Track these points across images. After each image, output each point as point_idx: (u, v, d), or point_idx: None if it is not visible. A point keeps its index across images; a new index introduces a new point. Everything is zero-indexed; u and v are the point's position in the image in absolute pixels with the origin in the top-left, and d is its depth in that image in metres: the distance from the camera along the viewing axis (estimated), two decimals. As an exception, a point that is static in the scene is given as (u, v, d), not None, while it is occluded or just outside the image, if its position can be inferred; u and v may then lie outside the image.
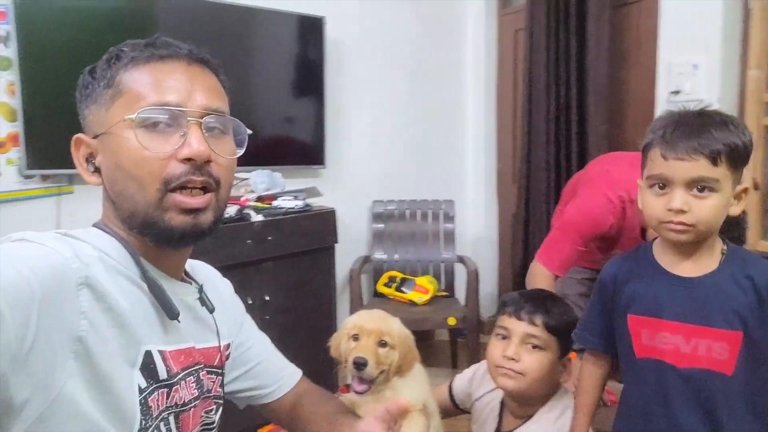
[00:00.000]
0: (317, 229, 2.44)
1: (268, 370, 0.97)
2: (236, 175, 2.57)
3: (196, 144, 0.70)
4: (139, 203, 0.70)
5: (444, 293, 2.89)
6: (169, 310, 0.73)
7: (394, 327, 1.19)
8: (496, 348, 1.22)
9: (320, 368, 2.67)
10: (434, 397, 1.47)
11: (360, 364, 1.10)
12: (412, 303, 2.70)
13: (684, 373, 0.98)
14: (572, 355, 1.25)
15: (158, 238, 0.72)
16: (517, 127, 3.19)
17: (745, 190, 0.99)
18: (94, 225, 0.76)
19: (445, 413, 1.45)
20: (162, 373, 0.71)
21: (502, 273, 3.41)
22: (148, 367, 0.69)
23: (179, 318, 0.74)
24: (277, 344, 2.51)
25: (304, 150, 2.78)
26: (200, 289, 0.84)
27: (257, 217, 2.28)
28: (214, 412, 0.83)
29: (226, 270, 2.16)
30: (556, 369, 1.20)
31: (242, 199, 2.46)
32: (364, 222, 3.09)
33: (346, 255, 2.82)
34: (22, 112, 2.02)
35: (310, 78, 2.76)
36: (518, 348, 1.18)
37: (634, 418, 1.05)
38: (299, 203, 2.46)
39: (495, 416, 1.28)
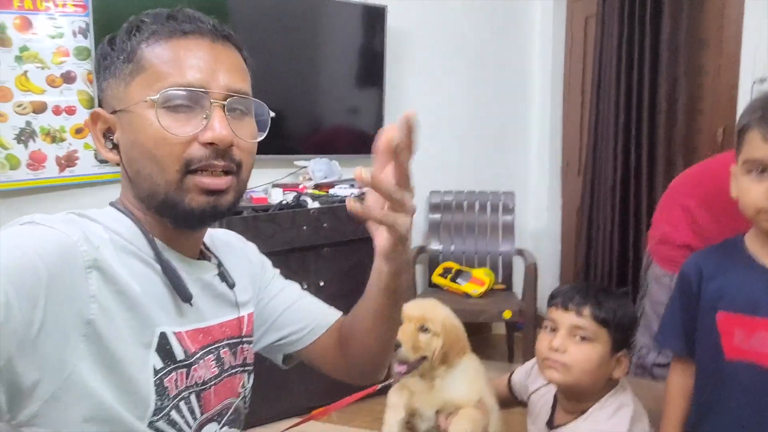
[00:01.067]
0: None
1: (294, 317, 0.92)
2: (296, 163, 2.61)
3: (219, 128, 0.68)
4: (158, 184, 0.69)
5: (501, 286, 2.82)
6: (182, 293, 0.71)
7: (440, 314, 1.19)
8: (543, 340, 1.18)
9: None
10: (494, 389, 1.46)
11: (395, 345, 1.12)
12: (467, 295, 2.66)
13: None
14: None
15: (177, 219, 0.71)
16: (585, 118, 3.06)
17: None
18: (111, 204, 0.75)
19: (505, 404, 1.44)
20: (179, 354, 0.70)
21: (564, 268, 3.29)
22: (164, 349, 0.69)
23: (192, 301, 0.73)
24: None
25: (363, 139, 2.79)
26: (219, 264, 0.82)
27: (314, 204, 2.31)
28: (246, 381, 0.83)
29: (282, 254, 2.25)
30: (607, 363, 1.14)
31: (300, 186, 2.51)
32: (422, 212, 3.07)
33: (402, 245, 2.81)
34: (97, 100, 2.14)
35: (370, 67, 2.77)
36: (565, 340, 1.13)
37: (719, 426, 0.97)
38: (355, 191, 2.48)
39: (548, 410, 1.25)
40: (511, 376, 1.45)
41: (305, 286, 2.35)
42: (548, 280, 3.26)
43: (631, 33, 2.62)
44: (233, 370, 0.81)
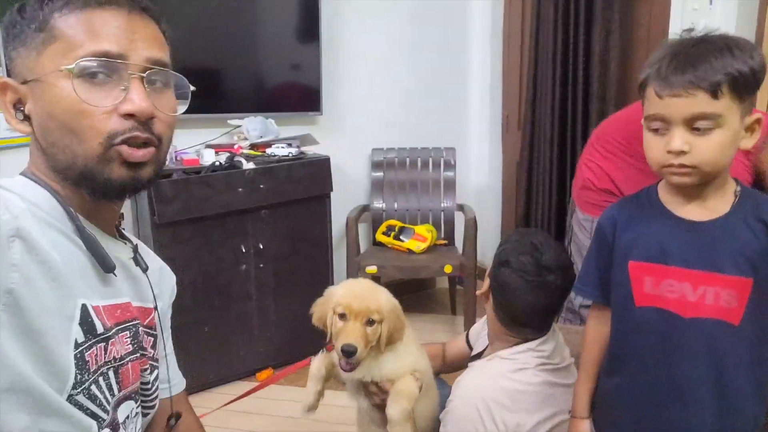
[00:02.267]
0: (312, 177, 2.40)
1: (170, 365, 0.95)
2: (230, 122, 2.52)
3: (138, 100, 0.67)
4: (77, 155, 0.67)
5: (443, 241, 2.86)
6: (103, 263, 0.71)
7: (382, 301, 1.17)
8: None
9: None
10: (454, 348, 1.50)
11: (349, 353, 1.10)
12: (410, 252, 2.68)
13: (690, 322, 0.92)
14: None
15: (96, 190, 0.70)
16: (524, 72, 3.06)
17: (758, 121, 0.89)
18: (22, 173, 0.72)
19: (467, 361, 1.47)
20: (99, 328, 0.70)
21: (505, 221, 3.36)
22: (86, 321, 0.68)
23: (114, 272, 0.73)
24: (272, 292, 2.51)
25: (299, 96, 2.70)
26: (135, 249, 0.82)
27: (249, 165, 2.24)
28: (149, 372, 0.82)
29: (218, 218, 2.19)
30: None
31: (235, 146, 2.42)
32: (364, 170, 3.04)
33: (345, 204, 2.79)
34: (5, 70, 1.97)
35: (307, 21, 2.65)
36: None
37: (629, 370, 1.00)
38: (293, 150, 2.42)
39: (483, 346, 1.30)
40: (468, 333, 1.49)
41: (244, 250, 2.32)
42: (489, 235, 3.32)
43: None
44: (144, 353, 0.80)
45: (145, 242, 0.94)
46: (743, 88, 0.85)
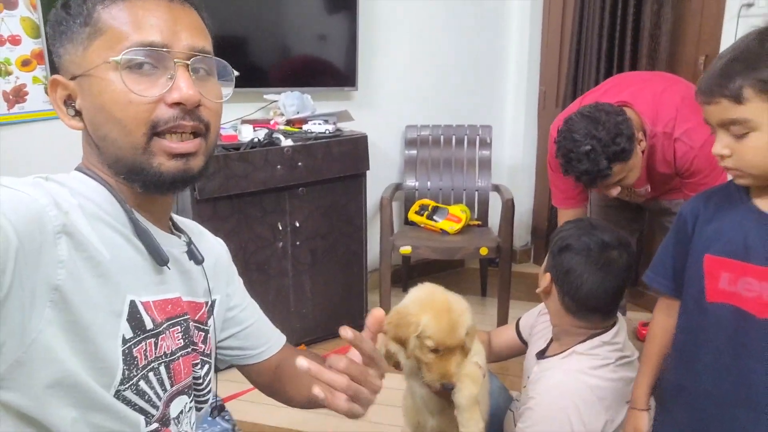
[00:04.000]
0: (349, 155, 2.36)
1: (258, 332, 0.97)
2: (266, 96, 2.50)
3: (185, 87, 0.67)
4: (124, 148, 0.68)
5: (477, 222, 2.82)
6: (157, 256, 0.71)
7: (468, 322, 1.12)
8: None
9: (349, 293, 2.70)
10: (501, 338, 1.49)
11: (449, 389, 1.11)
12: (444, 232, 2.65)
13: (764, 323, 0.88)
14: None
15: (147, 184, 0.70)
16: (564, 48, 2.96)
17: None
18: (77, 168, 0.73)
19: (515, 352, 1.46)
20: (148, 323, 0.69)
21: (537, 203, 3.31)
22: (134, 317, 0.68)
23: (168, 266, 0.73)
24: (308, 270, 2.52)
25: (335, 71, 2.64)
26: (189, 242, 0.81)
27: (287, 142, 2.21)
28: (199, 366, 0.81)
29: (257, 195, 2.17)
30: None
31: (272, 122, 2.39)
32: (397, 147, 2.99)
33: (378, 181, 2.76)
34: (44, 28, 1.95)
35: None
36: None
37: (695, 368, 0.98)
38: (330, 128, 2.38)
39: (545, 340, 1.28)
40: (518, 322, 1.46)
41: (280, 227, 2.32)
42: (524, 215, 3.28)
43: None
44: (195, 348, 0.80)
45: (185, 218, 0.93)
46: None
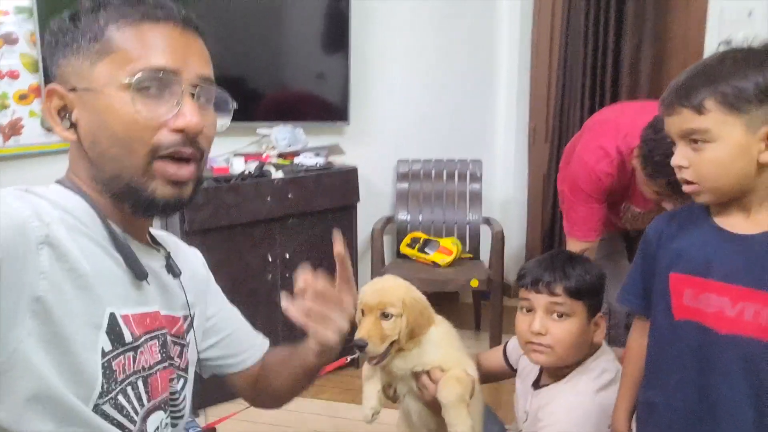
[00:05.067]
0: (339, 187, 2.39)
1: (239, 340, 0.97)
2: (259, 131, 2.54)
3: (190, 116, 0.69)
4: (125, 168, 0.68)
5: (468, 255, 2.83)
6: (137, 270, 0.72)
7: (398, 294, 1.16)
8: (522, 322, 1.18)
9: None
10: (489, 360, 1.47)
11: (360, 347, 1.10)
12: (435, 264, 2.65)
13: (726, 339, 0.89)
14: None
15: (138, 206, 0.71)
16: (552, 84, 3.04)
17: None
18: (58, 181, 0.73)
19: (501, 376, 1.45)
20: (127, 337, 0.69)
21: (530, 235, 3.32)
22: (114, 330, 0.67)
23: (147, 280, 0.73)
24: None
25: (327, 106, 2.70)
26: (168, 255, 0.82)
27: (278, 174, 2.24)
28: (176, 381, 0.81)
29: (247, 227, 2.19)
30: (587, 331, 1.16)
31: (263, 155, 2.42)
32: (389, 181, 3.03)
33: (369, 214, 2.78)
34: (42, 63, 2.00)
35: (335, 31, 2.66)
36: (544, 320, 1.14)
37: (664, 385, 0.98)
38: (320, 160, 2.42)
39: (536, 371, 1.27)
40: (505, 346, 1.46)
41: (270, 259, 2.32)
42: (515, 248, 3.28)
43: (598, -2, 2.60)
44: (172, 363, 0.79)
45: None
46: (741, 100, 0.84)
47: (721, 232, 0.92)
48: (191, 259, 0.92)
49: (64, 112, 0.71)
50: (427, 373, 1.18)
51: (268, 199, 2.19)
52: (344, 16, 2.63)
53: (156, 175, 0.69)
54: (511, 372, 1.40)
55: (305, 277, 0.80)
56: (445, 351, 1.20)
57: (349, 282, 0.84)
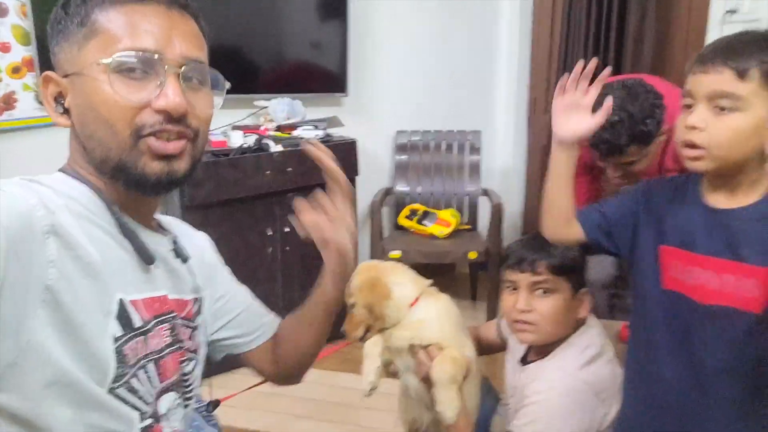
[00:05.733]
0: (338, 160, 2.37)
1: (249, 319, 0.98)
2: (256, 103, 2.50)
3: (172, 96, 0.68)
4: (111, 148, 0.69)
5: (467, 226, 2.84)
6: (144, 255, 0.72)
7: (354, 283, 1.21)
8: (507, 301, 1.21)
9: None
10: (483, 333, 1.50)
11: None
12: (434, 236, 2.67)
13: (708, 309, 0.92)
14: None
15: (130, 184, 0.70)
16: (554, 54, 2.99)
17: None
18: (61, 170, 0.74)
19: (498, 348, 1.48)
20: (136, 321, 0.70)
21: (528, 207, 3.33)
22: (123, 316, 0.68)
23: (154, 264, 0.74)
24: (297, 276, 2.54)
25: (325, 77, 2.67)
26: (174, 240, 0.83)
27: (276, 148, 2.23)
28: (186, 363, 0.82)
29: (247, 201, 2.18)
30: (571, 307, 1.19)
31: (261, 128, 2.40)
32: (388, 153, 3.01)
33: (368, 186, 2.77)
34: (35, 35, 1.96)
35: (332, 0, 2.60)
36: (528, 298, 1.17)
37: (655, 357, 1.01)
38: (320, 133, 2.40)
39: (524, 347, 1.30)
40: (500, 320, 1.48)
41: (270, 233, 2.33)
42: (513, 220, 3.30)
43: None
44: (182, 346, 0.81)
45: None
46: None
47: (705, 207, 0.94)
48: (199, 243, 0.93)
49: (60, 98, 0.72)
50: (425, 349, 1.20)
51: (268, 173, 2.18)
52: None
53: (143, 151, 0.69)
54: (504, 345, 1.44)
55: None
56: (444, 328, 1.22)
57: (346, 198, 0.89)
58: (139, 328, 0.70)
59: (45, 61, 1.96)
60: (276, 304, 2.37)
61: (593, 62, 1.02)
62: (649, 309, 1.02)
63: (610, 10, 2.56)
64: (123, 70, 0.67)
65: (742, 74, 0.83)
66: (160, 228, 0.83)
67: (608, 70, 1.04)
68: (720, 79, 0.85)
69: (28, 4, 1.93)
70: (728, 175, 0.91)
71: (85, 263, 0.64)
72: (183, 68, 0.69)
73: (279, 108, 2.41)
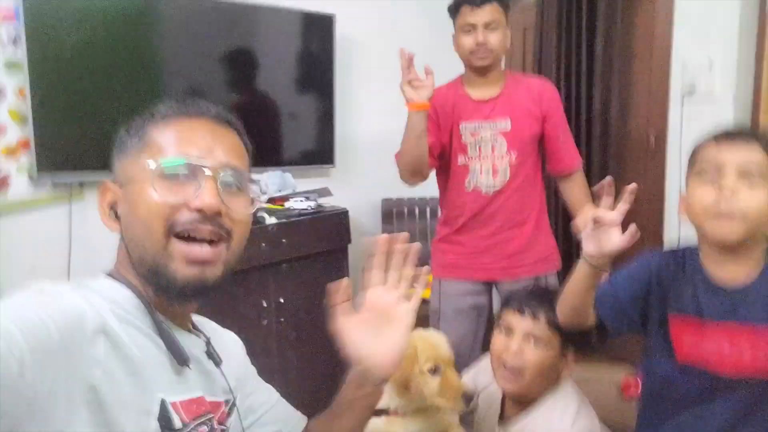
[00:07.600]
0: (331, 229, 2.42)
1: (277, 416, 0.97)
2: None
3: (207, 196, 0.71)
4: (147, 248, 0.71)
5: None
6: (179, 356, 0.73)
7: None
8: (499, 342, 1.23)
9: (335, 369, 2.66)
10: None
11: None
12: (425, 300, 2.69)
13: (728, 380, 0.96)
14: None
15: (160, 287, 0.73)
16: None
17: None
18: (108, 274, 0.77)
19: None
20: (177, 423, 0.71)
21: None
22: (164, 417, 0.69)
23: (189, 365, 0.75)
24: (293, 346, 2.48)
25: (313, 149, 2.76)
26: (208, 342, 0.84)
27: (271, 220, 2.26)
28: None
29: (240, 274, 2.17)
30: (556, 365, 1.22)
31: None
32: (377, 220, 3.07)
33: (358, 253, 2.81)
34: (32, 117, 1.98)
35: (319, 76, 2.73)
36: (521, 344, 1.20)
37: (668, 425, 1.04)
38: (312, 204, 2.44)
39: (497, 407, 1.31)
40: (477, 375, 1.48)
41: (265, 305, 2.31)
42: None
43: (568, 44, 2.75)
44: None
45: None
46: None
47: (710, 284, 1.00)
48: (230, 344, 0.94)
49: (114, 206, 0.77)
50: None
51: (263, 245, 2.20)
52: (329, 61, 2.72)
53: (174, 255, 0.71)
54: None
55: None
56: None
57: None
58: (178, 429, 0.70)
59: (42, 141, 1.98)
60: (272, 377, 2.30)
61: None
62: (663, 381, 1.05)
63: (578, 85, 2.74)
64: (166, 175, 0.71)
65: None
66: (194, 328, 0.84)
67: (625, 189, 0.99)
68: (750, 152, 0.92)
69: (27, 86, 1.96)
70: (737, 249, 0.96)
71: (130, 363, 0.66)
72: (221, 174, 0.73)
73: (271, 181, 2.46)
